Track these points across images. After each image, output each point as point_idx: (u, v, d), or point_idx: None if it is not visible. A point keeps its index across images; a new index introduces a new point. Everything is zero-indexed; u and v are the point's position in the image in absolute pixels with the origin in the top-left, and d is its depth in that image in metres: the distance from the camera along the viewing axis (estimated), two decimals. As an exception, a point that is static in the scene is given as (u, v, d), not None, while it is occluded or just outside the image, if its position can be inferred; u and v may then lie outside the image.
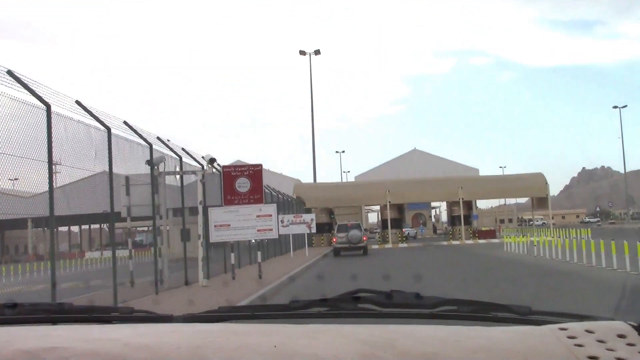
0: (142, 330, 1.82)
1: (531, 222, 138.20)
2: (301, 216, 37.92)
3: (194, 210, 21.13)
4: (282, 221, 36.69)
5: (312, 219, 37.81)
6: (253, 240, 24.93)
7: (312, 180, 68.84)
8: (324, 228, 58.69)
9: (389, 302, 1.91)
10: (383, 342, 1.53)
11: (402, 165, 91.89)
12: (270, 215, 19.69)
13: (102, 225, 72.83)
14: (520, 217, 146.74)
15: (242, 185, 19.38)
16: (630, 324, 1.59)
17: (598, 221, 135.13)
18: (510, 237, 39.12)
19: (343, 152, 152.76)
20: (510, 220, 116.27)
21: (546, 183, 59.89)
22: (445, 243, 55.07)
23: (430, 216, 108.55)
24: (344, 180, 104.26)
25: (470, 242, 54.97)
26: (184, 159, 21.57)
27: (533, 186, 59.01)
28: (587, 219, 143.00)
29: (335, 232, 40.91)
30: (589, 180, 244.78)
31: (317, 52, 69.54)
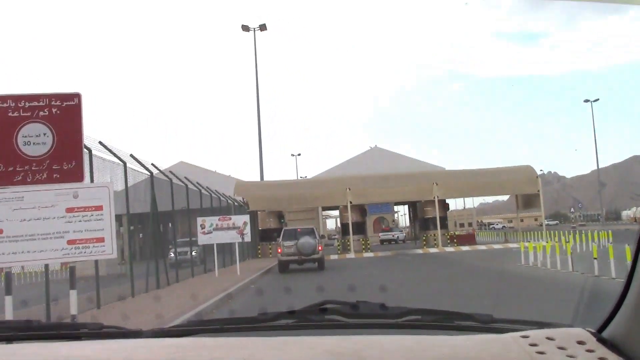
0: (111, 346, 1.86)
1: (491, 226, 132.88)
2: (230, 218, 27.25)
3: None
4: (201, 226, 26.06)
5: (244, 222, 27.16)
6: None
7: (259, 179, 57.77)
8: (272, 235, 48.31)
9: (355, 313, 1.96)
10: (350, 353, 1.62)
11: (362, 165, 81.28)
12: (100, 209, 8.77)
13: None
14: (479, 220, 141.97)
15: (34, 139, 8.68)
16: (588, 330, 1.70)
17: (557, 224, 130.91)
18: (530, 243, 27.68)
19: (299, 154, 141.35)
20: (470, 224, 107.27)
21: (537, 177, 50.19)
22: (420, 251, 44.72)
23: (393, 220, 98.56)
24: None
25: (450, 249, 44.76)
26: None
27: (521, 181, 49.17)
28: (546, 222, 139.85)
29: (280, 240, 30.38)
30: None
31: (262, 28, 58.93)
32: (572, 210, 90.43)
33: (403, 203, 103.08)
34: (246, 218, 27.78)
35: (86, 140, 11.54)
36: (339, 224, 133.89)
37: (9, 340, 1.96)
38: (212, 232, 26.55)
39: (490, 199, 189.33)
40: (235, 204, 49.24)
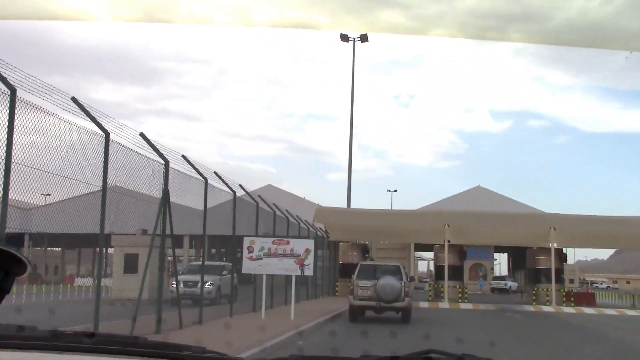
0: None
1: (595, 285, 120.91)
2: (288, 242, 20.39)
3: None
4: (248, 249, 19.52)
5: (307, 250, 20.23)
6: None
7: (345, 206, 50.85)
8: (353, 271, 41.19)
9: None
10: None
11: (463, 205, 73.26)
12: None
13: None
14: (581, 277, 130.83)
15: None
16: None
17: None
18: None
19: (395, 191, 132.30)
20: (572, 281, 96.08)
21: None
22: (530, 308, 36.34)
23: (492, 268, 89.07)
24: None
25: (569, 309, 36.14)
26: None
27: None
28: None
29: (354, 278, 23.37)
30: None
31: (363, 39, 52.59)
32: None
33: (505, 249, 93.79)
34: (309, 244, 20.87)
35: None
36: (430, 268, 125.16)
37: (116, 354, 1.96)
38: (262, 257, 19.88)
39: (590, 256, 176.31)
40: (318, 232, 42.66)
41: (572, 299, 41.31)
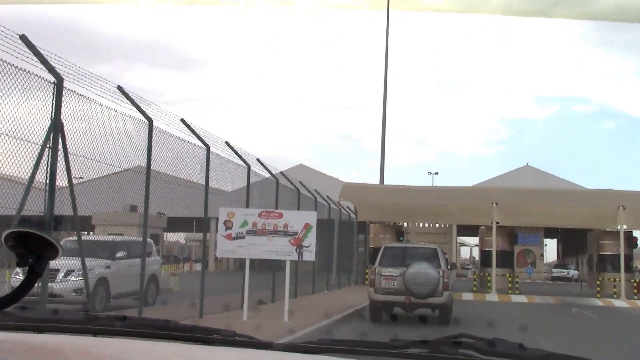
0: (242, 355, 1.97)
1: None
2: (280, 215, 14.68)
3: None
4: (225, 224, 13.97)
5: (307, 225, 14.50)
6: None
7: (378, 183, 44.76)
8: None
9: (492, 351, 1.87)
10: None
11: (512, 184, 66.65)
12: None
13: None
14: (635, 265, 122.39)
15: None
16: None
17: None
18: None
19: (436, 173, 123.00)
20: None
21: None
22: (598, 302, 30.01)
23: (542, 254, 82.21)
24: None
25: (645, 304, 29.78)
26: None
27: None
28: None
29: (376, 264, 17.71)
30: None
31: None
32: None
33: (555, 234, 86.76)
34: (310, 218, 15.05)
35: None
36: (474, 254, 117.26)
37: (147, 337, 1.99)
38: (243, 236, 14.29)
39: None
40: (346, 213, 37.17)
41: (645, 291, 34.96)
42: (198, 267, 41.39)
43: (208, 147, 16.01)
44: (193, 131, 15.23)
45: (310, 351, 1.94)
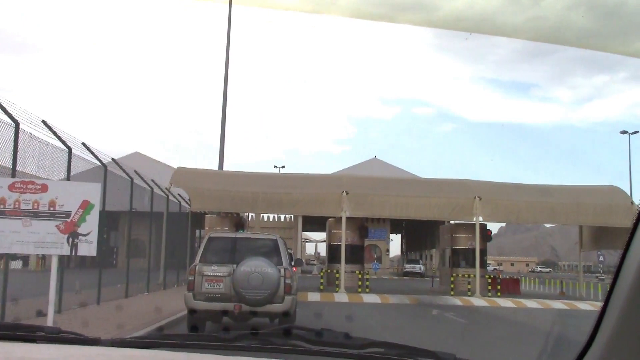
0: (67, 352, 1.81)
1: (489, 266, 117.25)
2: (45, 187, 9.73)
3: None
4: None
5: (86, 204, 9.69)
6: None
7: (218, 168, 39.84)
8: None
9: (319, 340, 1.91)
10: None
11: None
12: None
13: None
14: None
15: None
16: None
17: (550, 271, 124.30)
18: None
19: (283, 167, 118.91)
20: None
21: (632, 203, 33.10)
22: (457, 302, 26.98)
23: (388, 249, 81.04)
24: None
25: (507, 302, 27.03)
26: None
27: (611, 205, 32.02)
28: (539, 268, 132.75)
29: (196, 261, 13.14)
30: (516, 231, 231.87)
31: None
32: (600, 259, 72.99)
33: (399, 229, 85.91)
34: (91, 192, 10.24)
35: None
36: (319, 250, 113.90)
37: None
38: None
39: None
40: (176, 201, 32.44)
41: (499, 287, 32.87)
42: (16, 264, 35.27)
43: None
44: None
45: (139, 346, 1.90)
